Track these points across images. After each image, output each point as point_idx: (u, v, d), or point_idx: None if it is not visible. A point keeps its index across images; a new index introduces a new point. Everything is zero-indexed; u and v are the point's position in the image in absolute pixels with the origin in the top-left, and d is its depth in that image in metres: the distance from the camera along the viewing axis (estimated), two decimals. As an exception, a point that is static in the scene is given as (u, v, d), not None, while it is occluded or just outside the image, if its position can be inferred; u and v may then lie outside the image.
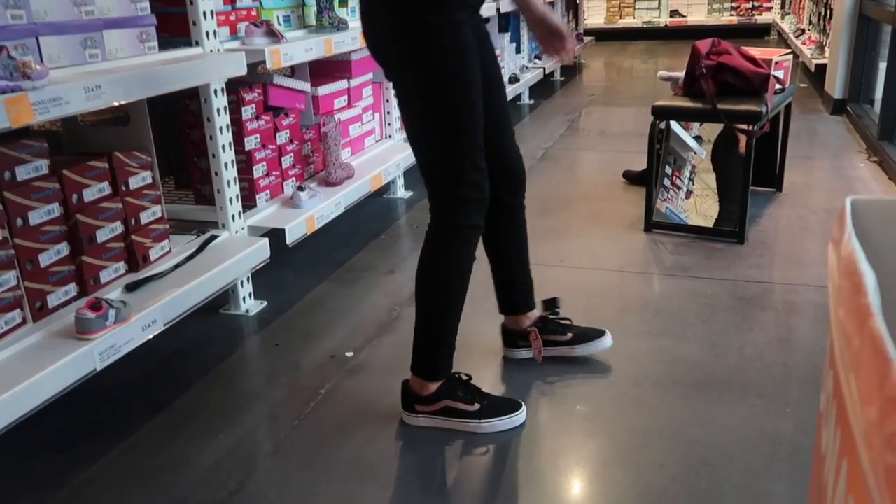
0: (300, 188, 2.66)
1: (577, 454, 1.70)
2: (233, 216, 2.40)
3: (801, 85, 6.19)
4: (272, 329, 2.36)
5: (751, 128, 2.78)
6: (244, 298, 2.48)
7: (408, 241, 3.10)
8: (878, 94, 4.71)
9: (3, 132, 1.49)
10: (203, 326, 2.38)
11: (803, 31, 7.13)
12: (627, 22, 10.01)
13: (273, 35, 2.44)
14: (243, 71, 2.25)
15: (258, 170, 2.62)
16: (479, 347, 2.19)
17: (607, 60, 8.46)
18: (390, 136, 3.61)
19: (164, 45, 2.15)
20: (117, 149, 2.04)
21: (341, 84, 3.17)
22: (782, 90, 3.10)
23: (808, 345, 2.13)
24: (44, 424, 1.87)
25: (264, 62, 2.35)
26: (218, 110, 2.28)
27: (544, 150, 4.46)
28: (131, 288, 1.99)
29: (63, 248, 1.86)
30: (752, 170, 2.83)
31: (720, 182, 3.15)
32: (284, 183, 2.78)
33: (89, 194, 1.93)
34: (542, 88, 6.48)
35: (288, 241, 2.46)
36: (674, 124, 3.16)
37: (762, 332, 2.21)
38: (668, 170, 3.15)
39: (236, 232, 2.42)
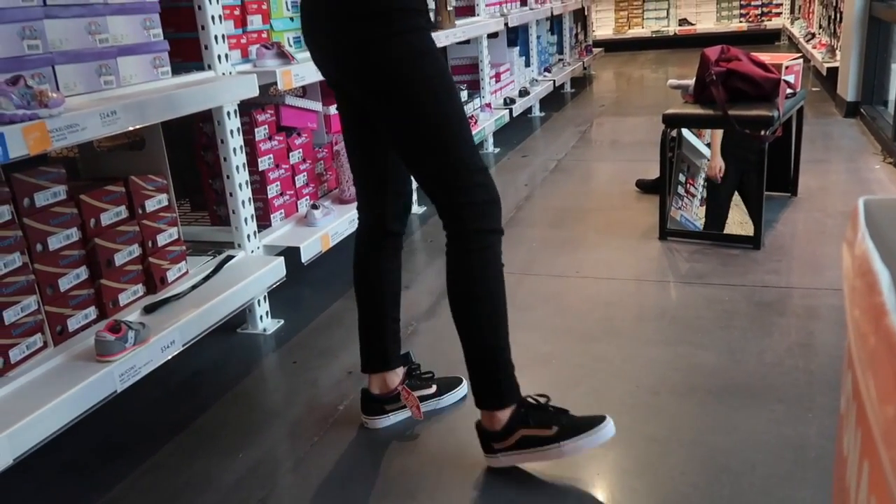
0: (314, 206, 2.68)
1: (596, 464, 1.69)
2: (248, 236, 2.42)
3: (814, 89, 6.16)
4: (289, 347, 2.37)
5: (763, 133, 2.77)
6: (261, 317, 2.49)
7: (422, 256, 3.10)
8: (892, 95, 4.68)
9: (21, 159, 1.51)
10: (221, 346, 2.39)
11: (813, 35, 7.11)
12: (636, 32, 10.03)
13: (284, 56, 2.47)
14: (255, 92, 2.27)
15: (272, 189, 2.64)
16: (496, 360, 2.19)
17: (617, 71, 8.47)
18: (402, 153, 3.63)
19: (177, 69, 2.18)
20: (133, 173, 2.06)
21: (352, 102, 3.20)
22: (793, 94, 3.09)
23: (829, 349, 2.11)
24: (66, 447, 1.88)
25: (276, 83, 2.38)
26: (231, 132, 2.30)
27: (556, 161, 4.46)
28: (150, 310, 2.01)
29: (82, 272, 1.88)
30: (766, 175, 2.82)
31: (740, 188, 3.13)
32: (298, 202, 2.80)
33: (107, 218, 1.96)
34: (553, 101, 6.50)
35: (303, 260, 2.48)
36: (686, 132, 3.16)
37: (781, 337, 2.19)
38: (682, 177, 3.15)
39: (252, 252, 2.43)
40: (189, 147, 2.63)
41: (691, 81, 3.08)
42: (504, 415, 1.63)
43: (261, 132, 2.58)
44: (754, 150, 2.86)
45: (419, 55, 1.52)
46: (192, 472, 1.77)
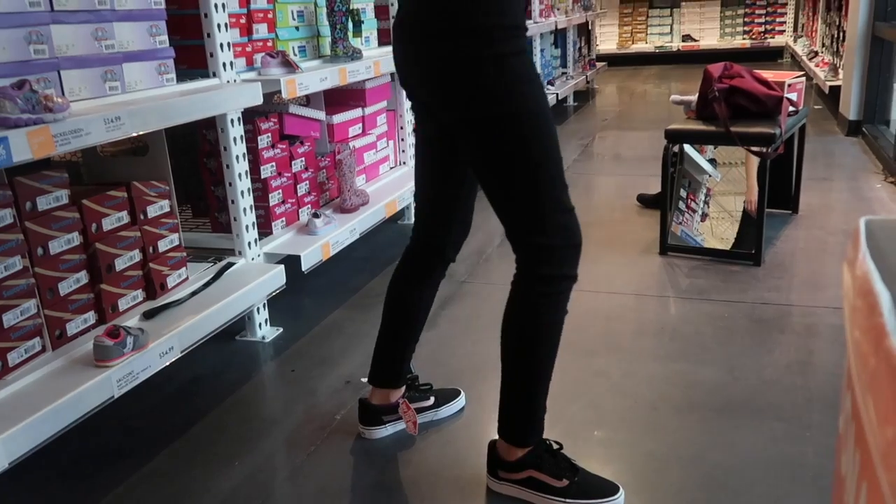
0: (315, 215, 2.68)
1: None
2: (249, 244, 2.42)
3: (816, 107, 6.18)
4: (288, 355, 2.37)
5: (765, 150, 2.77)
6: (260, 325, 2.49)
7: (423, 267, 3.10)
8: (894, 114, 4.69)
9: (25, 163, 1.52)
10: (219, 353, 2.39)
11: (816, 54, 7.13)
12: (640, 47, 10.06)
13: (288, 65, 2.48)
14: (259, 101, 2.28)
15: (274, 197, 2.65)
16: (495, 372, 2.18)
17: (620, 85, 8.50)
18: (404, 163, 3.64)
19: (182, 76, 2.19)
20: (136, 178, 2.07)
21: (356, 112, 3.21)
22: (796, 112, 3.10)
23: (828, 367, 2.10)
24: (62, 451, 1.88)
25: (280, 92, 2.39)
26: (234, 140, 2.31)
27: (558, 174, 4.46)
28: (149, 315, 2.01)
29: (82, 277, 1.88)
30: (767, 192, 2.83)
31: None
32: (300, 210, 2.81)
33: (108, 223, 1.96)
34: (556, 114, 6.51)
35: (304, 268, 2.48)
36: (688, 148, 3.17)
37: (781, 354, 2.18)
38: (683, 193, 3.15)
39: (252, 259, 2.44)
40: (192, 154, 2.64)
41: (694, 97, 3.09)
42: (521, 451, 1.60)
43: (264, 140, 2.58)
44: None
45: (522, 82, 1.38)
46: (188, 479, 1.77)
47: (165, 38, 2.10)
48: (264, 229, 2.61)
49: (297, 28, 2.76)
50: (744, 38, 9.70)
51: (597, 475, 1.62)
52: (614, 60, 9.71)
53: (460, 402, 1.99)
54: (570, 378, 2.11)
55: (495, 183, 1.46)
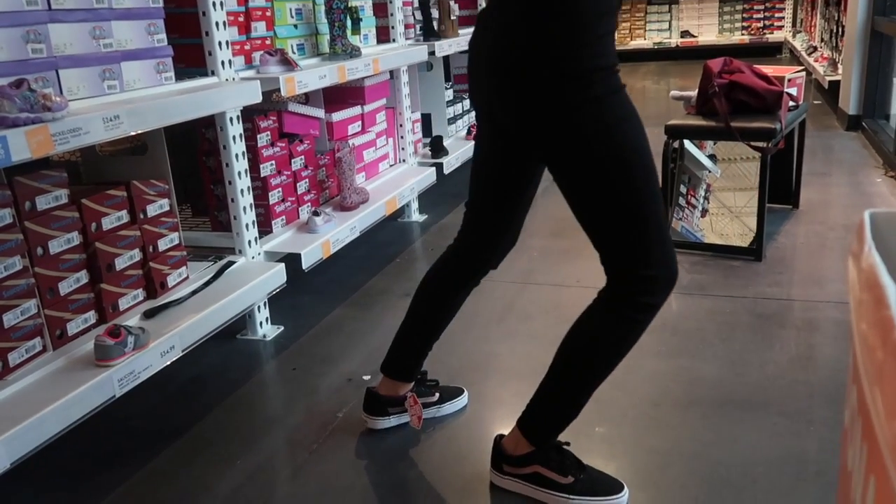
0: (315, 213, 2.68)
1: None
2: (249, 242, 2.41)
3: (815, 102, 6.17)
4: (289, 354, 2.37)
5: (765, 145, 2.77)
6: (261, 323, 2.49)
7: (423, 265, 3.10)
8: (894, 109, 4.69)
9: (23, 163, 1.51)
10: (220, 352, 2.38)
11: (815, 49, 7.13)
12: (638, 43, 10.05)
13: (287, 63, 2.47)
14: (258, 99, 2.28)
15: (274, 196, 2.64)
16: (496, 369, 2.18)
17: (619, 81, 8.47)
18: (404, 161, 3.63)
19: (180, 75, 2.18)
20: (135, 177, 2.06)
21: (355, 110, 3.20)
22: (796, 107, 3.09)
23: (830, 362, 2.10)
24: (63, 451, 1.87)
25: (279, 90, 2.38)
26: (234, 138, 2.30)
27: (558, 171, 4.46)
28: (149, 314, 2.00)
29: (82, 276, 1.88)
30: (767, 187, 2.82)
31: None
32: (300, 208, 2.80)
33: (108, 223, 1.96)
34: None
35: (304, 266, 2.47)
36: (688, 143, 3.16)
37: (783, 349, 2.18)
38: (683, 188, 3.14)
39: (252, 258, 2.43)
40: (191, 152, 2.63)
41: (693, 93, 3.09)
42: (530, 447, 1.59)
43: (263, 138, 2.58)
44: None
45: (623, 121, 1.38)
46: (189, 478, 1.77)
47: (164, 36, 2.09)
48: (264, 228, 2.61)
49: (295, 26, 2.75)
50: (742, 34, 9.69)
51: (602, 472, 1.61)
52: (613, 57, 9.67)
53: (462, 400, 1.99)
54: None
55: (598, 219, 1.45)
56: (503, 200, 1.67)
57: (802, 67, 3.48)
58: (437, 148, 3.84)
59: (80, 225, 1.87)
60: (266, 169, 2.60)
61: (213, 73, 2.27)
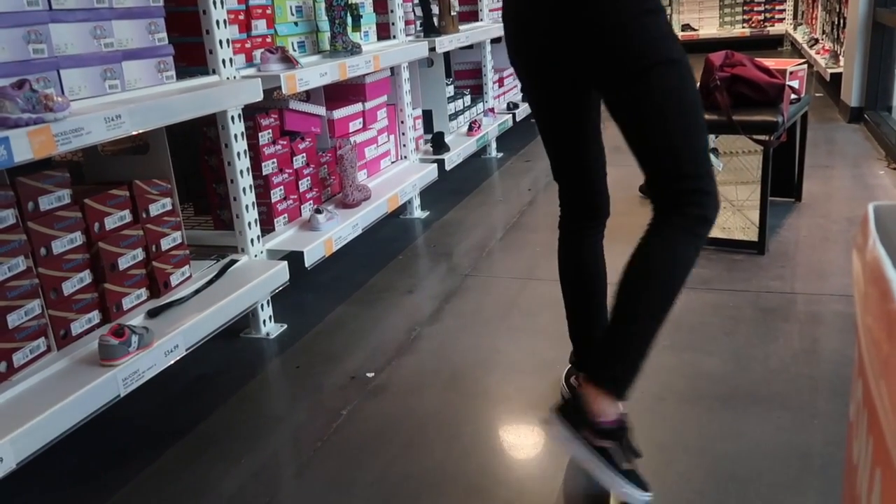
0: (318, 211, 2.68)
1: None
2: (251, 240, 2.42)
3: (817, 94, 6.16)
4: (293, 351, 2.37)
5: (768, 138, 2.76)
6: (264, 322, 2.49)
7: (425, 262, 3.10)
8: (896, 101, 4.68)
9: (26, 163, 1.51)
10: (224, 351, 2.39)
11: (817, 41, 7.10)
12: (639, 37, 10.00)
13: (288, 61, 2.47)
14: (259, 97, 2.27)
15: (276, 194, 2.64)
16: (500, 365, 2.18)
17: (620, 76, 8.46)
18: (405, 158, 3.63)
19: (181, 73, 2.18)
20: (137, 177, 2.06)
21: (356, 107, 3.20)
22: (798, 100, 3.08)
23: (834, 355, 2.10)
24: (69, 451, 1.88)
25: (280, 88, 2.38)
26: (235, 136, 2.30)
27: (560, 166, 4.46)
28: (153, 314, 2.00)
29: (86, 276, 1.88)
30: (770, 180, 2.82)
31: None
32: (302, 206, 2.80)
33: (111, 222, 1.96)
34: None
35: (307, 264, 2.47)
36: (689, 137, 3.15)
37: (786, 343, 2.18)
38: (685, 183, 3.13)
39: (255, 256, 2.43)
40: (193, 151, 2.63)
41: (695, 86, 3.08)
42: (608, 410, 1.48)
43: (265, 136, 2.58)
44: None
45: (673, 36, 1.49)
46: (194, 477, 1.77)
47: (164, 35, 2.09)
48: (266, 226, 2.61)
49: (295, 23, 2.75)
50: (743, 27, 9.66)
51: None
52: (614, 51, 9.66)
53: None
54: (576, 370, 2.11)
55: (658, 130, 1.48)
56: (585, 150, 1.73)
57: (804, 60, 3.47)
58: (438, 144, 3.83)
59: (83, 225, 1.87)
60: (268, 167, 2.60)
61: (214, 72, 2.27)
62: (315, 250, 2.52)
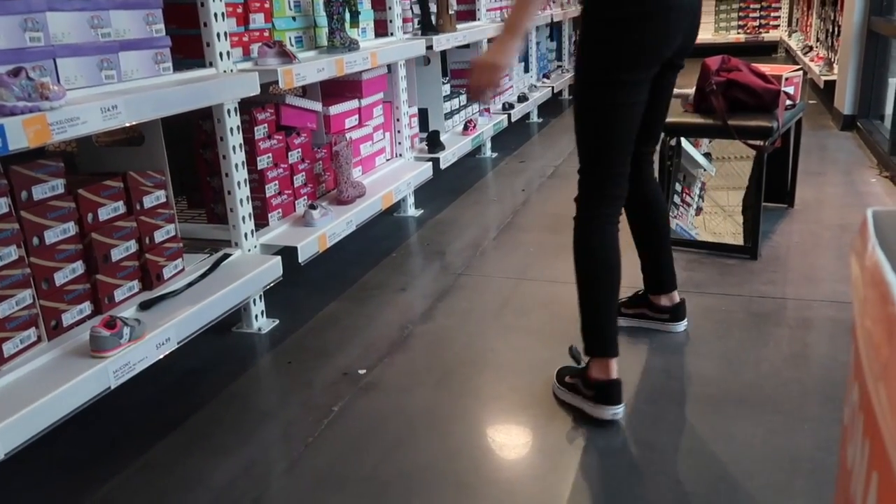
0: (312, 207, 2.67)
1: (593, 470, 1.68)
2: (245, 235, 2.41)
3: (810, 101, 6.19)
4: (285, 347, 2.36)
5: (762, 143, 2.78)
6: (257, 317, 2.48)
7: (419, 260, 3.10)
8: (888, 109, 4.70)
9: (20, 152, 1.50)
10: (216, 345, 2.38)
11: (811, 48, 7.14)
12: (634, 41, 10.03)
13: (285, 55, 2.46)
14: (256, 91, 2.27)
15: (270, 189, 2.63)
16: (492, 364, 2.18)
17: (615, 79, 8.47)
18: (400, 155, 3.63)
19: (178, 66, 2.17)
20: (131, 168, 2.05)
21: (352, 104, 3.20)
22: (793, 106, 3.10)
23: (825, 360, 2.11)
24: (58, 443, 1.87)
25: (277, 82, 2.37)
26: (231, 130, 2.29)
27: (554, 167, 4.46)
28: (145, 306, 1.99)
29: (78, 267, 1.87)
30: (763, 186, 2.83)
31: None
32: (296, 202, 2.79)
33: (104, 213, 1.95)
34: (551, 107, 6.51)
35: (300, 260, 2.47)
36: (684, 141, 3.16)
37: (777, 348, 2.19)
38: (678, 187, 3.15)
39: (249, 250, 2.42)
40: (188, 144, 2.62)
41: (691, 90, 3.09)
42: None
43: (260, 131, 2.57)
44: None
45: None
46: (184, 470, 1.76)
47: (162, 26, 2.08)
48: (260, 220, 2.60)
49: (293, 18, 2.74)
50: (738, 33, 9.70)
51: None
52: (609, 54, 9.68)
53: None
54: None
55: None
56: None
57: (799, 67, 3.48)
58: (433, 143, 3.83)
59: (76, 215, 1.86)
60: (263, 161, 2.59)
61: (210, 65, 2.26)
62: (309, 246, 2.51)
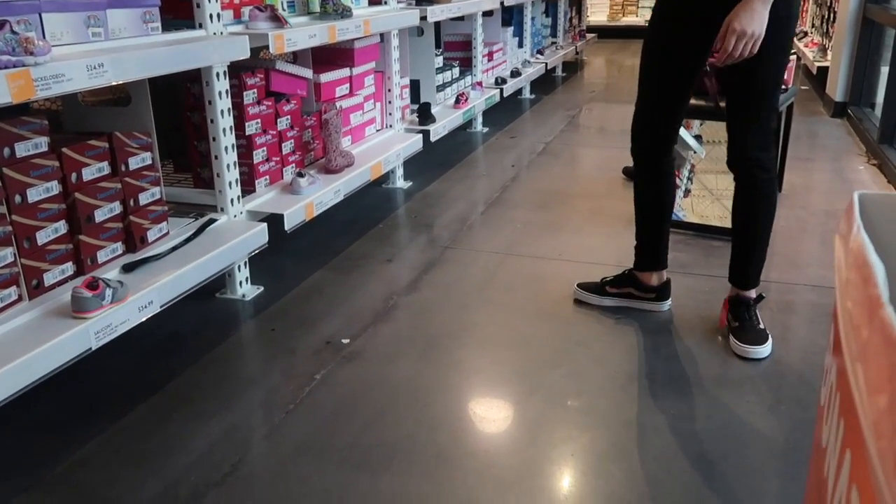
0: (300, 174, 2.65)
1: (571, 446, 1.70)
2: (231, 200, 2.39)
3: (803, 87, 6.19)
4: (268, 314, 2.36)
5: (752, 127, 2.77)
6: (241, 283, 2.47)
7: (406, 232, 3.09)
8: (880, 97, 4.71)
9: (3, 107, 1.47)
10: (199, 310, 2.37)
11: (806, 34, 7.13)
12: (630, 20, 9.99)
13: (277, 20, 2.42)
14: (246, 55, 2.23)
15: (258, 155, 2.61)
16: (474, 338, 2.19)
17: (609, 58, 8.45)
18: (391, 126, 3.60)
19: (167, 26, 2.13)
20: (117, 129, 2.02)
21: (343, 72, 3.16)
22: (785, 90, 3.10)
23: (803, 343, 2.13)
24: (38, 403, 1.86)
25: (267, 47, 2.34)
26: (219, 94, 2.26)
27: (544, 144, 4.45)
28: (129, 268, 1.98)
29: (61, 227, 1.85)
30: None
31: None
32: (284, 169, 2.77)
33: (88, 173, 1.92)
34: (544, 84, 6.47)
35: (286, 227, 2.45)
36: (675, 122, 3.15)
37: (758, 330, 2.21)
38: (669, 167, 3.14)
39: (235, 216, 2.41)
40: (175, 107, 2.58)
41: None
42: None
43: (249, 96, 2.54)
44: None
45: None
46: (164, 434, 1.76)
47: (151, -15, 2.04)
48: (247, 187, 2.58)
49: (286, -18, 2.69)
50: (734, 16, 9.64)
51: None
52: (604, 33, 9.64)
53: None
54: (552, 346, 2.13)
55: (765, 88, 2.04)
56: (685, 91, 2.24)
57: (793, 51, 3.47)
58: (424, 115, 3.81)
59: (59, 174, 1.83)
60: (251, 127, 2.57)
61: (200, 26, 2.22)
62: (295, 214, 2.50)
